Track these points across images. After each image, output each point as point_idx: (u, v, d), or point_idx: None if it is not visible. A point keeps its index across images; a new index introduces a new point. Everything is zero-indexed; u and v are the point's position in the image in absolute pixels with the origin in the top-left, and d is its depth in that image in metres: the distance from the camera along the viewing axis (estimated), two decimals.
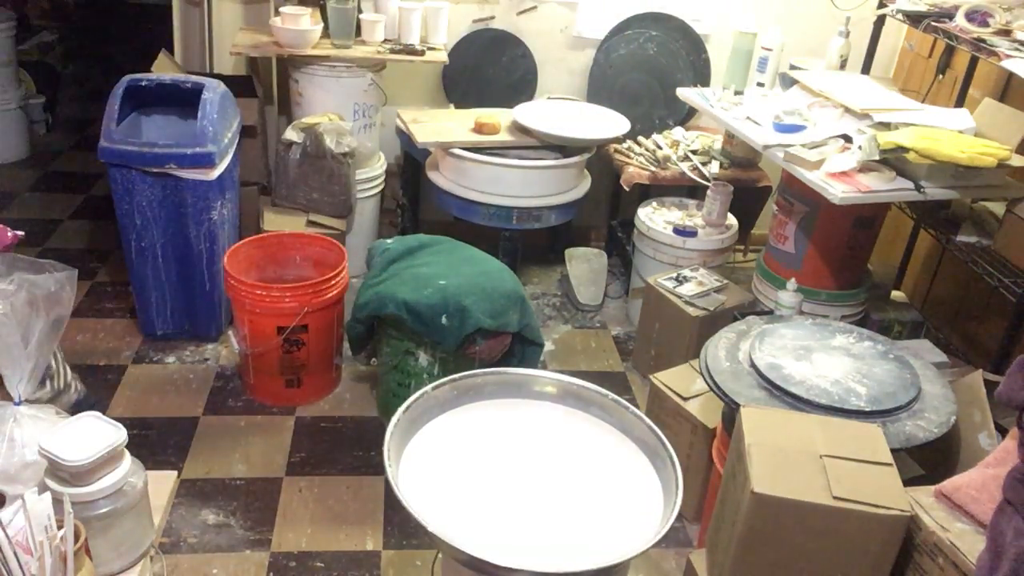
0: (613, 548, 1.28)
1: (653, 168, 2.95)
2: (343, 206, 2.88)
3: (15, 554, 1.28)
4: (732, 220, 2.92)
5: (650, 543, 1.27)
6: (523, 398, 1.61)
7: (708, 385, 1.80)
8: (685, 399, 2.10)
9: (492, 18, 3.18)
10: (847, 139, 2.28)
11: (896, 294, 2.88)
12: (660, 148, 3.03)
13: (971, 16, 2.29)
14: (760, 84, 2.83)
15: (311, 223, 2.85)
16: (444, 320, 2.10)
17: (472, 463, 1.46)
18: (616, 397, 1.57)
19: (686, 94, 2.80)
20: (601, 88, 3.21)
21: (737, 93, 2.75)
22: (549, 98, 3.21)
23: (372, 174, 3.06)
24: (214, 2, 3.07)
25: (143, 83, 2.53)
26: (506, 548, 1.28)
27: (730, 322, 2.15)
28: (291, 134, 2.82)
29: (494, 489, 1.41)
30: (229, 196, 2.60)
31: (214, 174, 2.45)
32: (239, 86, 2.85)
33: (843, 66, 2.78)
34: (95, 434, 1.52)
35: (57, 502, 1.39)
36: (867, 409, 1.64)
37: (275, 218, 2.84)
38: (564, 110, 3.03)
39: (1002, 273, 2.17)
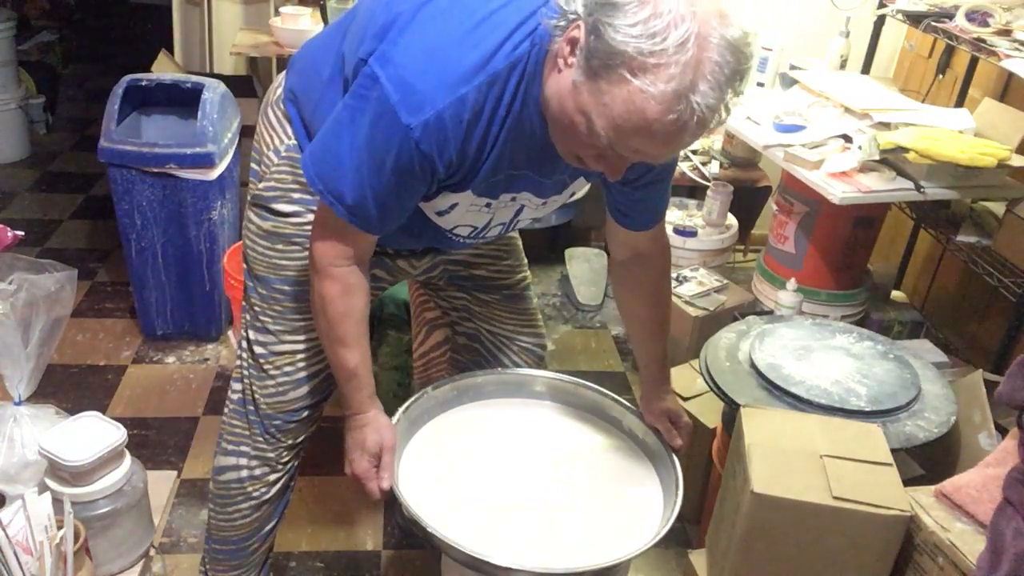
0: (613, 548, 1.28)
1: None
2: None
3: (15, 554, 1.28)
4: (732, 220, 2.92)
5: (650, 543, 1.27)
6: (523, 398, 1.61)
7: (708, 385, 1.80)
8: (685, 399, 2.10)
9: None
10: (847, 139, 2.28)
11: (896, 294, 2.88)
12: None
13: (971, 16, 2.29)
14: (760, 84, 2.83)
15: None
16: None
17: (472, 463, 1.45)
18: (616, 396, 1.57)
19: None
20: None
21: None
22: None
23: None
24: (214, 2, 3.07)
25: (143, 83, 2.53)
26: (505, 547, 1.28)
27: (730, 322, 2.15)
28: None
29: (494, 489, 1.41)
30: (229, 196, 2.60)
31: (214, 174, 2.45)
32: (239, 86, 2.85)
33: (843, 66, 2.78)
34: (95, 434, 1.52)
35: (57, 502, 1.39)
36: (867, 409, 1.64)
37: None
38: None
39: (1002, 273, 2.17)
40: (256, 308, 1.45)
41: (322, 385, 1.49)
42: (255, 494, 1.53)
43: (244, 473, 1.50)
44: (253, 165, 1.45)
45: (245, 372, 1.48)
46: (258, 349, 1.45)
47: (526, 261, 1.71)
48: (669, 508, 1.36)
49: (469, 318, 1.69)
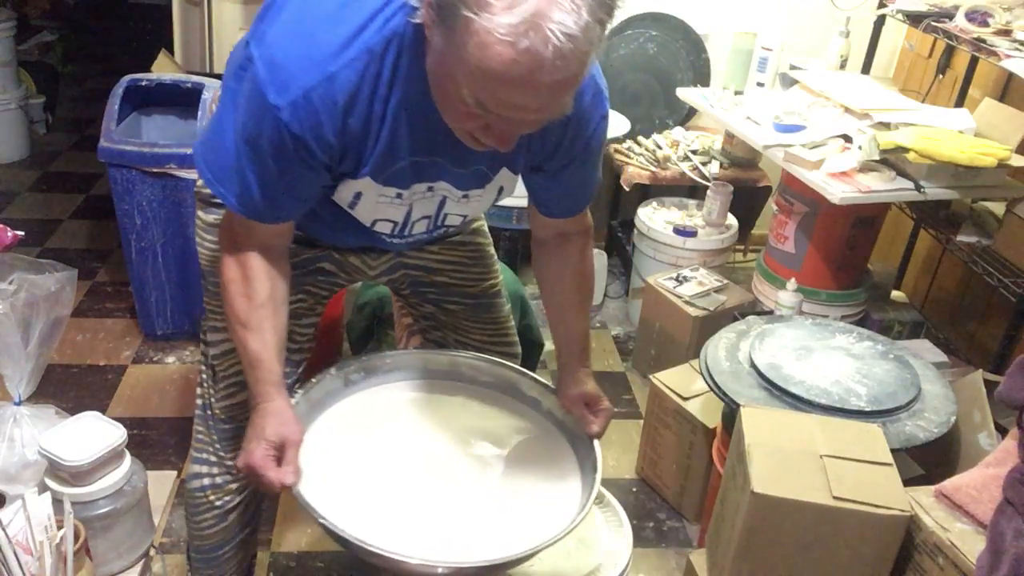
0: (528, 538, 1.18)
1: (653, 168, 2.95)
2: None
3: (15, 554, 1.28)
4: (732, 220, 2.92)
5: (567, 531, 1.18)
6: (435, 378, 1.50)
7: (708, 385, 1.80)
8: (685, 399, 2.10)
9: None
10: (847, 139, 2.28)
11: (896, 294, 2.88)
12: (660, 148, 3.03)
13: (971, 16, 2.29)
14: (760, 84, 2.83)
15: None
16: None
17: (378, 452, 1.34)
18: (534, 375, 1.46)
19: (686, 94, 2.80)
20: None
21: (737, 93, 2.75)
22: None
23: None
24: (214, 2, 3.07)
25: (143, 83, 2.53)
26: (417, 543, 1.17)
27: (730, 322, 2.15)
28: None
29: (402, 481, 1.30)
30: None
31: None
32: None
33: (843, 66, 2.78)
34: (95, 434, 1.52)
35: (57, 502, 1.39)
36: (867, 409, 1.64)
37: None
38: None
39: (1002, 273, 2.17)
40: (208, 307, 1.43)
41: None
42: (218, 503, 1.50)
43: (207, 481, 1.48)
44: None
45: (203, 378, 1.47)
46: (211, 351, 1.44)
47: (498, 268, 1.65)
48: (587, 493, 1.26)
49: (437, 327, 1.63)
